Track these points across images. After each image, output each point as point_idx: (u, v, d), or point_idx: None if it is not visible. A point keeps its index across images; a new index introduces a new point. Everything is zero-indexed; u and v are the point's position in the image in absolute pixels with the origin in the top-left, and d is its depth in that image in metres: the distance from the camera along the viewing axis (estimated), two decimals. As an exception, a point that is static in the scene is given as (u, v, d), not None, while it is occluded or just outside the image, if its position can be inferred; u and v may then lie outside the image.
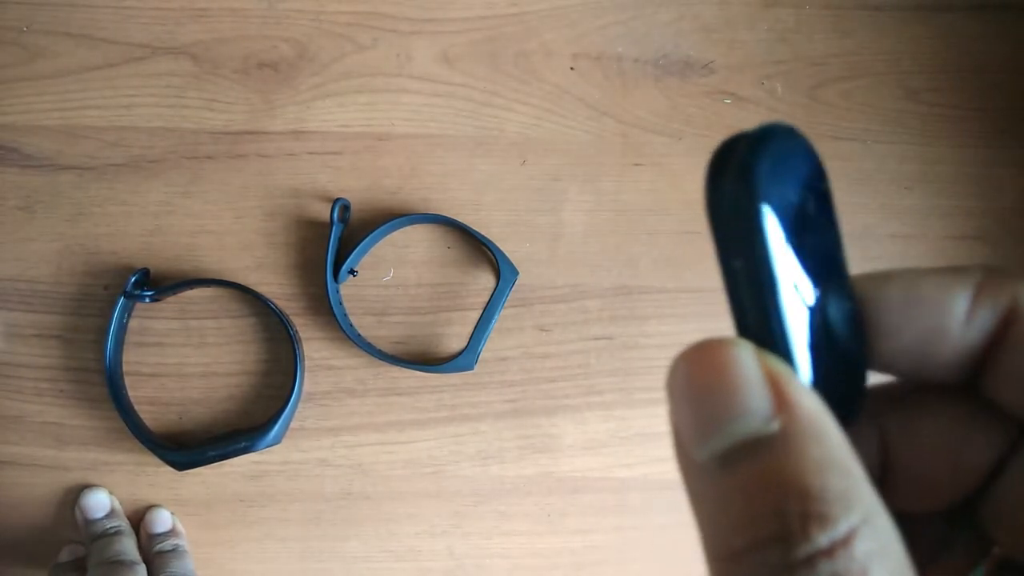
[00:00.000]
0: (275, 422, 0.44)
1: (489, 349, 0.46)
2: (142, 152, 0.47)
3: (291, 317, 0.46)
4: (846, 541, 0.11)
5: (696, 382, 0.12)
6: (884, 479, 0.15)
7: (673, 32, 0.50)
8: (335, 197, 0.46)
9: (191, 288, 0.46)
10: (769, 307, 0.13)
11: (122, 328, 0.45)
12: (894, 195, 0.49)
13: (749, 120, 0.49)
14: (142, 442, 0.44)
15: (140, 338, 0.46)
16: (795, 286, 0.13)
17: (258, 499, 0.47)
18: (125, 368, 0.46)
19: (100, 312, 0.46)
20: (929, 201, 0.49)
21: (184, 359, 0.46)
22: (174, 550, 0.44)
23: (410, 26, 0.49)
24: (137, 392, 0.46)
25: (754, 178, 0.12)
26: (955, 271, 0.14)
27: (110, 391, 0.44)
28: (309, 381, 0.46)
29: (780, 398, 0.12)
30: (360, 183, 0.47)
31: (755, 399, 0.12)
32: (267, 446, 0.44)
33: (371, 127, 0.48)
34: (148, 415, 0.46)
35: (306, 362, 0.46)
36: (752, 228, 0.12)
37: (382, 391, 0.47)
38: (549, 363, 0.47)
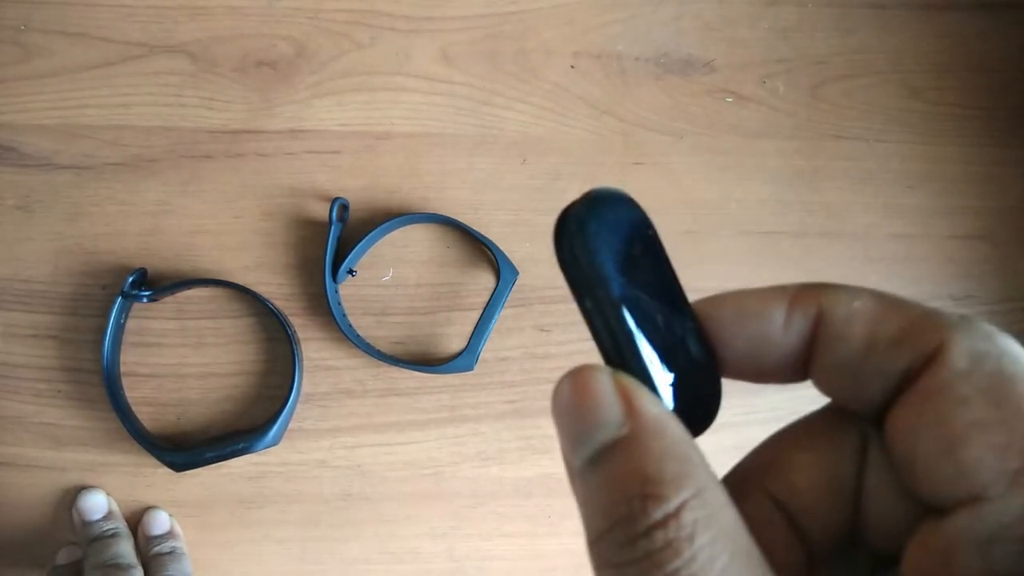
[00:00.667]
0: (273, 423, 0.43)
1: (489, 349, 0.46)
2: (140, 151, 0.47)
3: (290, 317, 0.46)
4: (677, 513, 0.13)
5: (567, 402, 0.15)
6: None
7: (674, 30, 0.49)
8: (334, 196, 0.45)
9: (189, 288, 0.46)
10: (619, 336, 0.16)
11: (120, 328, 0.45)
12: (897, 194, 0.49)
13: (751, 118, 0.49)
14: (140, 443, 0.44)
15: (138, 338, 0.46)
16: (639, 316, 0.16)
17: (256, 500, 0.46)
18: (123, 369, 0.46)
19: (98, 312, 0.46)
20: (932, 200, 0.49)
21: (182, 359, 0.46)
22: (172, 552, 0.44)
23: (409, 24, 0.48)
24: (135, 393, 0.46)
25: (585, 235, 0.16)
26: (775, 289, 0.17)
27: (108, 392, 0.44)
28: (308, 382, 0.46)
29: (629, 408, 0.15)
30: (359, 182, 0.47)
31: (609, 411, 0.15)
32: (265, 447, 0.44)
33: (370, 126, 0.47)
34: (146, 416, 0.46)
35: (305, 363, 0.46)
36: (591, 274, 0.16)
37: (381, 392, 0.46)
38: (549, 363, 0.47)
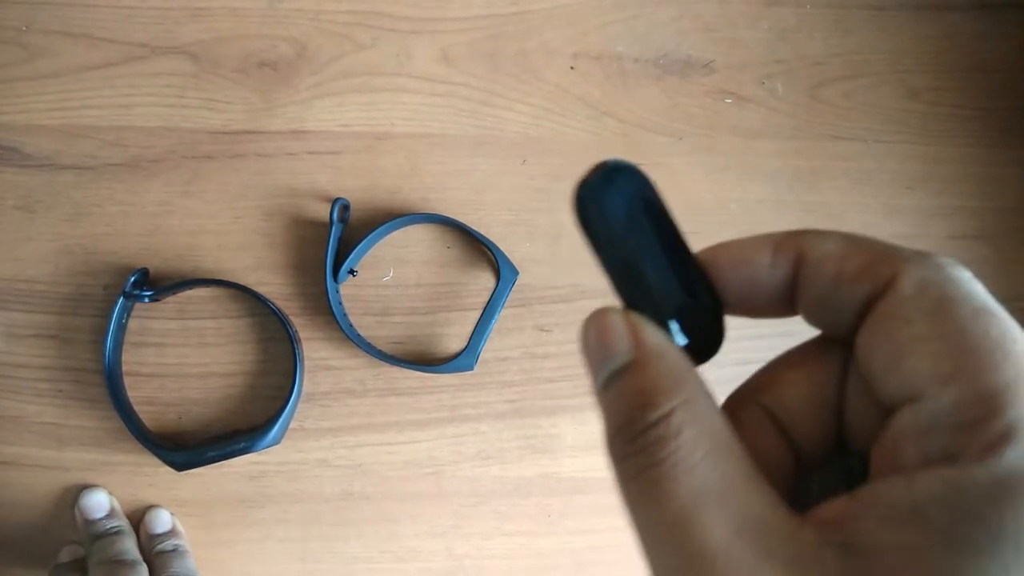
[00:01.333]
0: (274, 422, 0.44)
1: (489, 349, 0.46)
2: (141, 152, 0.47)
3: (290, 317, 0.46)
4: (667, 415, 0.17)
5: (588, 339, 0.19)
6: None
7: (674, 31, 0.49)
8: (334, 197, 0.46)
9: (190, 288, 0.46)
10: (631, 284, 0.19)
11: (121, 328, 0.45)
12: (895, 194, 0.49)
13: (750, 119, 0.49)
14: (141, 442, 0.44)
15: (139, 338, 0.46)
16: (649, 266, 0.19)
17: (258, 499, 0.46)
18: (124, 368, 0.46)
19: (99, 312, 0.46)
20: (930, 201, 0.49)
21: (183, 359, 0.46)
22: (175, 550, 0.44)
23: (410, 25, 0.49)
24: (136, 392, 0.46)
25: (599, 201, 0.19)
26: (763, 236, 0.19)
27: (109, 391, 0.44)
28: (308, 381, 0.46)
29: (635, 339, 0.18)
30: (360, 183, 0.47)
31: (620, 342, 0.18)
32: (266, 446, 0.44)
33: (371, 127, 0.48)
34: (147, 415, 0.46)
35: (305, 362, 0.46)
36: (605, 234, 0.19)
37: (382, 391, 0.47)
38: (549, 363, 0.47)
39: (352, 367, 0.47)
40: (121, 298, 0.44)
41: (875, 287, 0.17)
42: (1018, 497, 0.14)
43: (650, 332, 0.18)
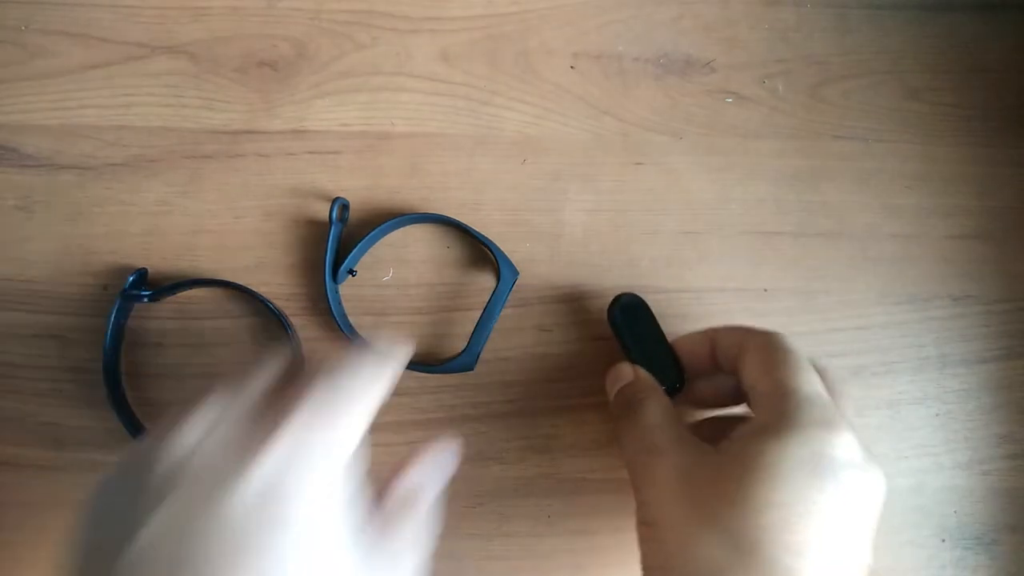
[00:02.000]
0: (274, 422, 0.43)
1: (489, 349, 0.46)
2: (141, 152, 0.47)
3: (290, 317, 0.46)
4: (643, 398, 0.39)
5: (611, 374, 0.42)
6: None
7: (674, 31, 0.49)
8: (334, 197, 0.46)
9: (190, 288, 0.46)
10: (637, 351, 0.42)
11: (120, 328, 0.45)
12: (895, 194, 0.49)
13: (751, 119, 0.49)
14: (141, 443, 0.44)
15: (139, 338, 0.46)
16: (644, 343, 0.42)
17: (257, 500, 0.46)
18: (123, 368, 0.46)
19: (98, 312, 0.46)
20: (930, 200, 0.49)
21: (183, 359, 0.46)
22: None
23: (409, 25, 0.49)
24: (135, 392, 0.46)
25: (616, 314, 0.43)
26: (700, 334, 0.42)
27: (108, 391, 0.44)
28: (308, 381, 0.46)
29: (635, 373, 0.41)
30: (360, 182, 0.47)
31: (625, 373, 0.41)
32: (266, 447, 0.44)
33: (371, 126, 0.48)
34: (147, 415, 0.46)
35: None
36: (623, 334, 0.43)
37: (382, 391, 0.46)
38: (549, 363, 0.47)
39: (352, 367, 0.46)
40: (120, 298, 0.44)
41: (734, 356, 0.38)
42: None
43: (644, 373, 0.41)
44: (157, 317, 0.46)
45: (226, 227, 0.47)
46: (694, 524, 0.32)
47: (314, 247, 0.47)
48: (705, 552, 0.31)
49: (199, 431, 0.28)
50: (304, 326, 0.46)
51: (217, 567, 0.24)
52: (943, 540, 0.47)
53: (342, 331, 0.44)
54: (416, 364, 0.45)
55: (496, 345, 0.47)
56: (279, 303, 0.46)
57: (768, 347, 0.36)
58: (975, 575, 0.46)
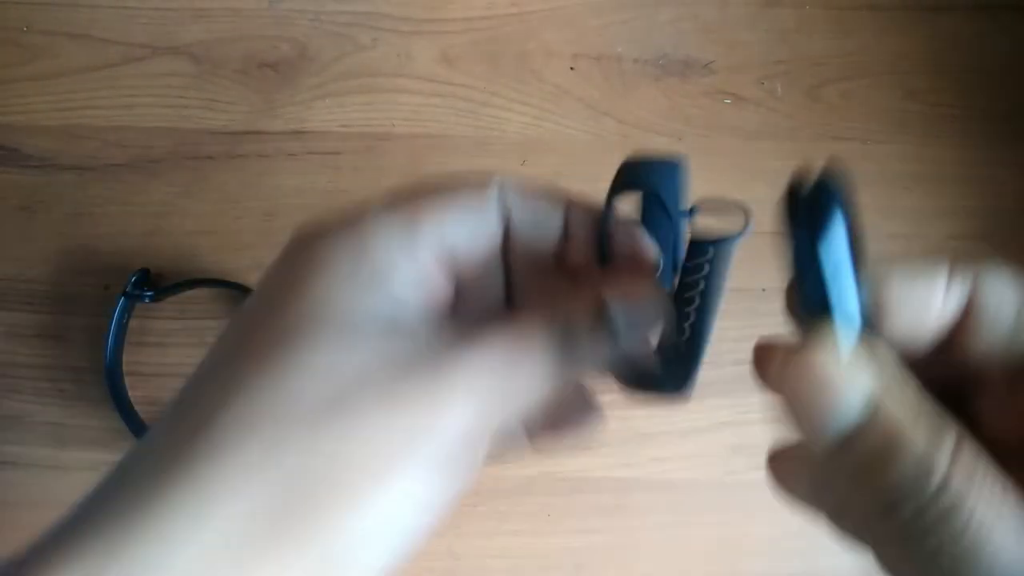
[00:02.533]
0: (275, 422, 0.44)
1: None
2: (142, 152, 0.47)
3: (291, 317, 0.46)
4: (947, 479, 0.15)
5: (798, 392, 0.17)
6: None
7: (673, 32, 0.50)
8: (335, 197, 0.46)
9: (191, 288, 0.46)
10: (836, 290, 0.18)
11: (122, 328, 0.45)
12: (894, 195, 0.49)
13: (750, 120, 0.49)
14: (142, 442, 0.44)
15: (140, 338, 0.46)
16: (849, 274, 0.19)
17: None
18: (125, 368, 0.46)
19: (100, 312, 0.46)
20: (930, 201, 0.49)
21: (184, 359, 0.46)
22: None
23: (410, 26, 0.49)
24: (137, 392, 0.46)
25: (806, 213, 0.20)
26: (938, 264, 0.19)
27: (110, 391, 0.44)
28: (309, 381, 0.46)
29: (865, 391, 0.16)
30: (360, 183, 0.47)
31: (846, 397, 0.16)
32: (267, 446, 0.44)
33: (371, 127, 0.48)
34: (148, 415, 0.46)
35: (306, 362, 0.46)
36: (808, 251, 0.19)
37: (382, 391, 0.47)
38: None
39: (353, 367, 0.47)
40: (122, 298, 0.44)
41: None
42: None
43: (878, 377, 0.16)
44: (159, 317, 0.46)
45: (227, 227, 0.47)
46: None
47: (315, 247, 0.47)
48: None
49: None
50: (305, 326, 0.46)
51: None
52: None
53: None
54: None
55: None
56: (280, 303, 0.46)
57: None
58: None
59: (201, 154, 0.47)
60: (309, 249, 0.22)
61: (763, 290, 0.47)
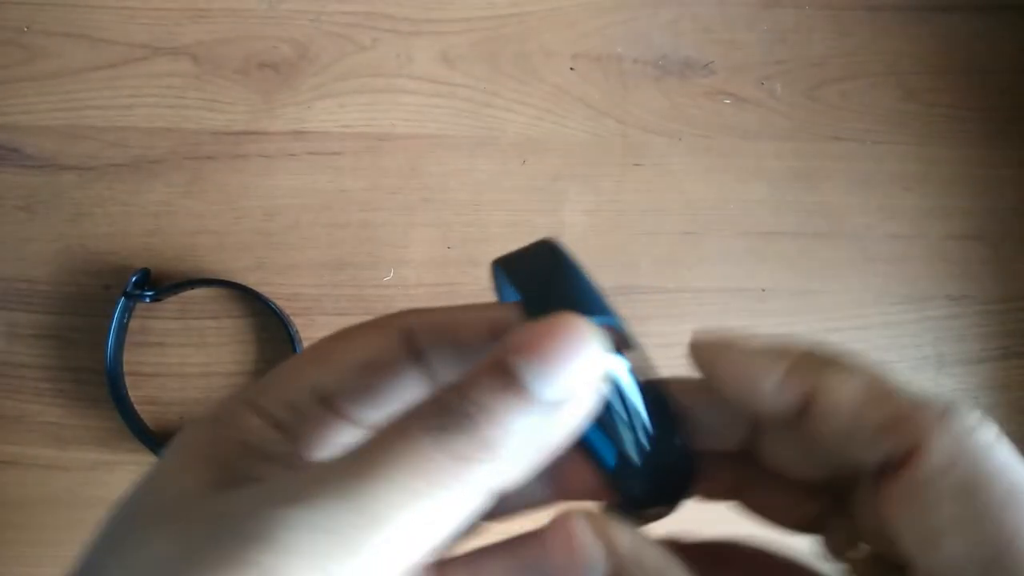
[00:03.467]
0: (275, 422, 0.44)
1: (489, 349, 0.46)
2: (143, 152, 0.47)
3: (291, 317, 0.46)
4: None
5: (555, 548, 0.17)
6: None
7: (673, 33, 0.50)
8: (334, 196, 0.46)
9: (191, 288, 0.46)
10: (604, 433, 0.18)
11: (122, 328, 0.45)
12: (893, 195, 0.49)
13: (749, 120, 0.49)
14: (143, 442, 0.44)
15: (140, 338, 0.46)
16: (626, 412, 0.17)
17: (258, 499, 0.46)
18: (125, 368, 0.46)
19: (100, 312, 0.46)
20: (929, 201, 0.49)
21: (185, 359, 0.46)
22: None
23: (410, 26, 0.49)
24: (138, 392, 0.46)
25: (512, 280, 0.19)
26: (777, 353, 0.18)
27: (110, 391, 0.44)
28: (309, 381, 0.46)
29: (608, 547, 0.17)
30: (360, 183, 0.47)
31: (591, 551, 0.17)
32: (267, 446, 0.44)
33: (371, 127, 0.48)
34: (149, 415, 0.46)
35: (306, 362, 0.46)
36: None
37: (382, 391, 0.47)
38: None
39: (353, 367, 0.47)
40: (122, 298, 0.44)
41: (897, 448, 0.16)
42: None
43: (622, 536, 0.17)
44: (159, 317, 0.46)
45: (228, 227, 0.47)
46: None
47: (315, 248, 0.47)
48: None
49: None
50: (305, 326, 0.47)
51: None
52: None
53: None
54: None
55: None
56: (280, 303, 0.46)
57: (993, 486, 0.16)
58: None
59: (201, 154, 0.47)
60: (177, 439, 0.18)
61: (763, 290, 0.48)
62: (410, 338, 0.19)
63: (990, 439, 0.16)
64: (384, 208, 0.47)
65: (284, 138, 0.47)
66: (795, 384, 0.17)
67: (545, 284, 0.18)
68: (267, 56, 0.48)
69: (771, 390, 0.17)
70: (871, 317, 0.48)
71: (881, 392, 0.17)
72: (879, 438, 0.16)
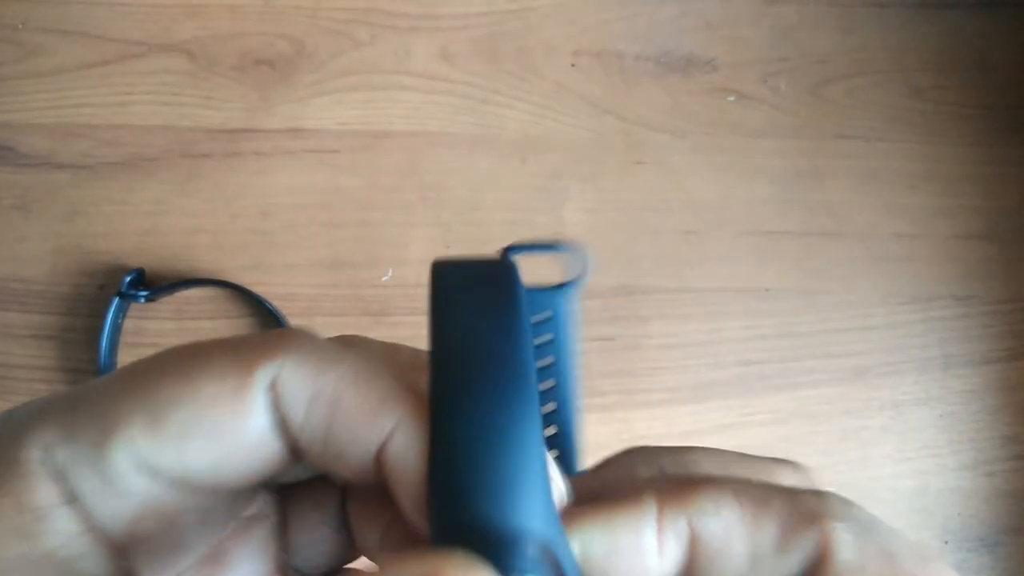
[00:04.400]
0: (272, 424, 0.43)
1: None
2: (138, 150, 0.47)
3: (287, 318, 0.45)
4: None
5: None
6: None
7: (675, 29, 0.49)
8: (333, 195, 0.45)
9: (187, 288, 0.46)
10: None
11: (117, 328, 0.45)
12: (899, 193, 0.48)
13: (753, 117, 0.48)
14: (137, 444, 0.43)
15: (135, 339, 0.46)
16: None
17: (255, 501, 0.46)
18: (120, 369, 0.45)
19: (95, 312, 0.45)
20: (934, 200, 0.48)
21: (180, 360, 0.46)
22: None
23: (409, 22, 0.48)
24: (132, 393, 0.46)
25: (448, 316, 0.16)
26: (642, 509, 0.16)
27: (105, 392, 0.43)
28: (306, 382, 0.46)
29: None
30: (358, 181, 0.47)
31: None
32: (264, 448, 0.43)
33: (369, 125, 0.47)
34: (144, 416, 0.46)
35: (303, 363, 0.46)
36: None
37: (380, 392, 0.46)
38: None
39: (350, 368, 0.46)
40: (117, 298, 0.44)
41: (803, 560, 0.15)
42: None
43: None
44: (154, 317, 0.46)
45: (224, 226, 0.46)
46: None
47: (312, 247, 0.46)
48: None
49: None
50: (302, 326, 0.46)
51: None
52: (946, 542, 0.46)
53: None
54: None
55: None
56: (276, 303, 0.45)
57: None
58: (979, 578, 0.46)
59: (197, 152, 0.47)
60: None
61: (766, 290, 0.47)
62: (275, 397, 0.16)
63: (884, 525, 0.15)
64: (382, 207, 0.47)
65: (281, 136, 0.47)
66: (672, 533, 0.15)
67: (470, 332, 0.15)
68: (264, 53, 0.47)
69: (653, 551, 0.15)
70: (876, 317, 0.47)
71: (764, 506, 0.15)
72: (781, 556, 0.15)
